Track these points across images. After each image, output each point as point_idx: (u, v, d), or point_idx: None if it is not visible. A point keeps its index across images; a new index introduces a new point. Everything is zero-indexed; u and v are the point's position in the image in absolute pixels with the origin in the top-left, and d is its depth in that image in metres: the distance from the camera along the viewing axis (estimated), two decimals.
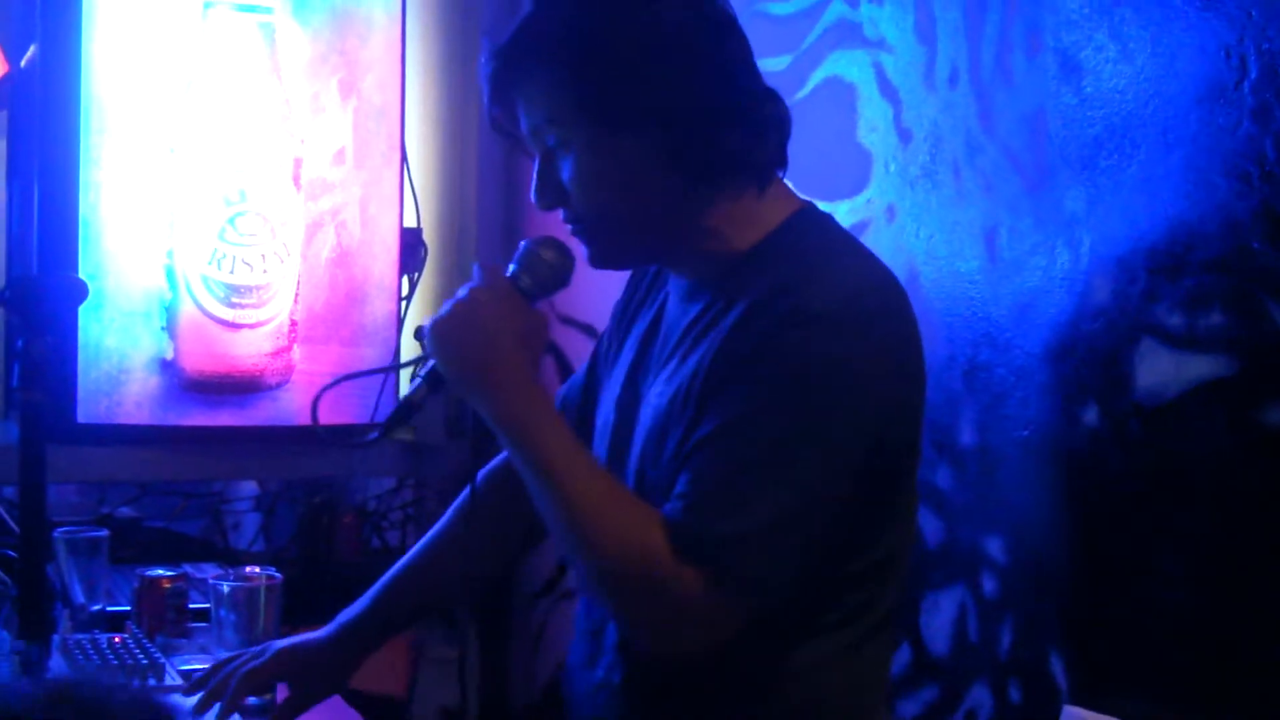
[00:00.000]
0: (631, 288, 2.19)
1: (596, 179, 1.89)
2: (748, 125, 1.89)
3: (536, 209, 1.98)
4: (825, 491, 1.79)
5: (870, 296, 1.85)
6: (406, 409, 1.99)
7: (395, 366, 3.50)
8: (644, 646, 1.86)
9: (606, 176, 1.89)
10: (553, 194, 1.94)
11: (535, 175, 1.95)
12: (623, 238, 1.95)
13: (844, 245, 1.95)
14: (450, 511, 2.36)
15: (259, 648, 2.28)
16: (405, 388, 3.75)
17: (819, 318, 1.78)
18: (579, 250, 1.99)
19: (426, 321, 1.92)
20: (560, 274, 1.98)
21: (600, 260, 1.99)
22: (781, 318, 1.79)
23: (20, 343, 1.51)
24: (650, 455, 1.93)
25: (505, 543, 2.35)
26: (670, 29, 1.86)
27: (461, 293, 1.91)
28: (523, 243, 1.99)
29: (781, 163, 1.95)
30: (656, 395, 1.95)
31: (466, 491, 2.31)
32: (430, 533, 2.35)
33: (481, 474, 2.34)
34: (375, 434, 2.08)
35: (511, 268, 1.97)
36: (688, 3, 1.88)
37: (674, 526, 1.77)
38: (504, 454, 2.17)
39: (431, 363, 1.95)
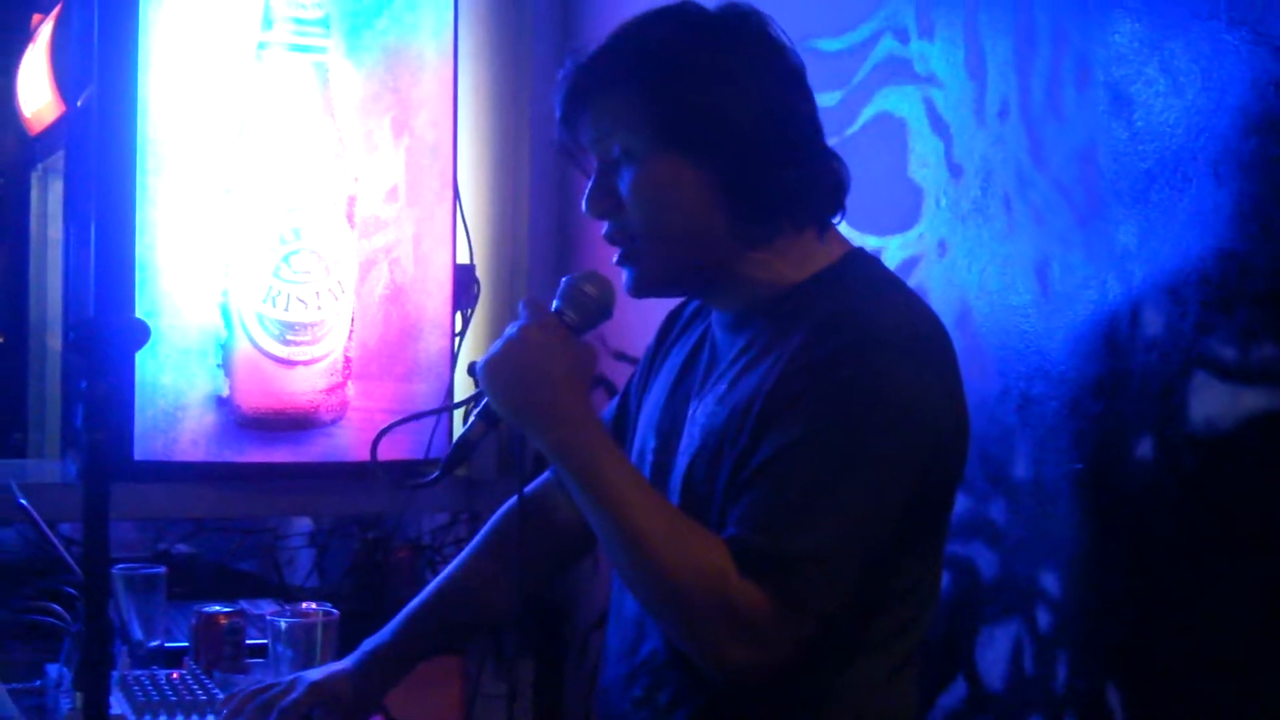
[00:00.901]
0: (662, 333, 2.26)
1: (656, 195, 1.95)
2: (805, 171, 1.94)
3: (588, 246, 2.01)
4: (883, 512, 1.84)
5: (922, 326, 1.94)
6: (464, 447, 2.03)
7: (452, 406, 3.51)
8: (711, 667, 1.86)
9: (665, 194, 1.95)
10: (607, 203, 2.00)
11: (591, 183, 2.00)
12: (667, 261, 2.00)
13: (894, 283, 2.05)
14: (475, 541, 2.39)
15: (289, 679, 2.31)
16: (460, 424, 3.77)
17: (876, 344, 1.85)
18: (619, 278, 2.02)
19: (479, 360, 1.96)
20: (603, 306, 2.03)
21: (640, 285, 2.04)
22: (840, 345, 1.85)
23: (84, 384, 1.53)
24: (700, 473, 1.97)
25: (531, 572, 2.37)
26: (749, 69, 1.94)
27: (510, 330, 1.95)
28: (564, 279, 2.02)
29: (836, 209, 2.03)
30: (706, 415, 1.99)
31: (491, 522, 2.35)
32: (455, 561, 2.39)
33: (503, 509, 2.38)
34: (435, 474, 2.12)
35: (555, 304, 2.01)
36: (767, 50, 1.98)
37: (739, 547, 1.81)
38: (516, 495, 2.21)
39: (486, 400, 1.98)
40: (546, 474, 2.35)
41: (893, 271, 2.11)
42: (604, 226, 2.04)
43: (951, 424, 1.93)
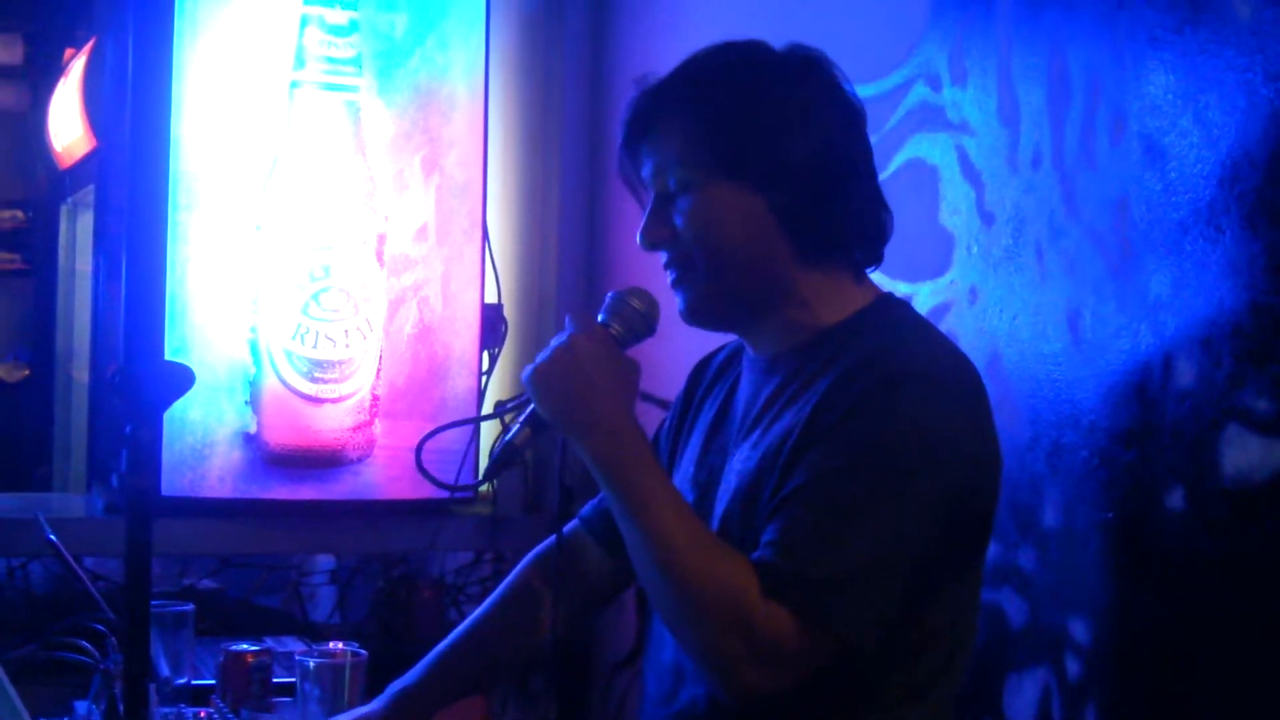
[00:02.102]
0: (691, 385, 2.29)
1: (710, 225, 1.98)
2: (856, 210, 1.96)
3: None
4: (912, 543, 1.86)
5: (954, 367, 1.97)
6: (509, 452, 2.05)
7: (487, 416, 3.52)
8: (726, 685, 1.87)
9: (723, 225, 1.98)
10: (662, 232, 2.03)
11: (647, 215, 2.03)
12: (722, 290, 2.02)
13: (926, 326, 2.07)
14: (503, 585, 2.40)
15: None
16: (485, 464, 3.78)
17: (909, 380, 1.88)
18: (673, 303, 2.06)
19: (527, 367, 1.98)
20: (649, 321, 2.06)
21: (694, 312, 2.07)
22: (872, 381, 1.88)
23: (129, 429, 1.54)
24: (737, 517, 1.98)
25: (569, 612, 2.38)
26: (809, 105, 1.98)
27: (559, 339, 1.97)
28: (610, 293, 2.05)
29: (878, 258, 2.07)
30: (741, 462, 2.00)
31: (519, 567, 2.36)
32: (483, 605, 2.39)
33: (532, 555, 2.39)
34: (481, 481, 2.15)
35: (602, 317, 2.05)
36: (826, 88, 2.02)
37: (764, 569, 1.83)
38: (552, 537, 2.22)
39: (532, 406, 2.00)
40: (575, 521, 2.36)
41: (924, 316, 2.12)
42: (641, 263, 2.06)
43: (983, 463, 1.95)
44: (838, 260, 2.02)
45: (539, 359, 1.98)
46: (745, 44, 2.05)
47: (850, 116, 2.03)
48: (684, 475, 2.15)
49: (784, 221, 1.96)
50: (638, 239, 2.06)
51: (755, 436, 2.00)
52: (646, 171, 2.04)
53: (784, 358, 2.03)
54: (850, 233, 2.01)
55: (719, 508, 2.02)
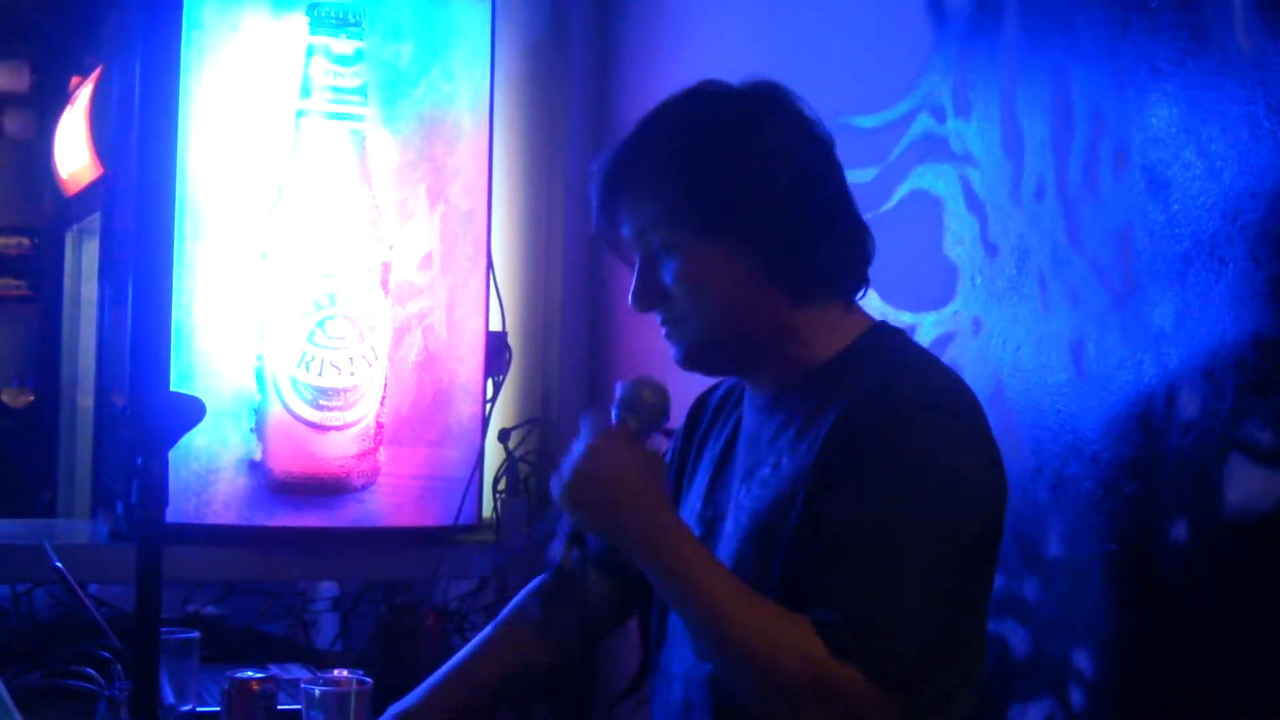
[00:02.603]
0: (692, 421, 2.29)
1: (700, 284, 1.97)
2: (842, 240, 1.96)
3: (620, 316, 2.04)
4: (952, 575, 1.88)
5: (956, 394, 1.98)
6: (565, 575, 2.02)
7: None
8: None
9: (710, 282, 1.97)
10: (654, 297, 2.02)
11: (636, 278, 2.02)
12: (717, 342, 2.01)
13: (922, 353, 2.09)
14: (505, 611, 2.40)
15: None
16: (489, 490, 3.78)
17: (917, 412, 1.89)
18: (669, 350, 2.06)
19: (554, 484, 1.96)
20: (663, 410, 2.05)
21: (690, 361, 2.07)
22: (881, 417, 1.89)
23: (140, 460, 1.55)
24: (750, 557, 1.98)
25: (560, 650, 2.38)
26: (776, 148, 1.97)
27: (578, 447, 1.95)
28: (619, 387, 2.04)
29: (865, 281, 2.06)
30: (751, 499, 2.00)
31: (522, 593, 2.36)
32: (485, 630, 2.40)
33: (535, 582, 2.38)
34: (535, 614, 2.12)
35: (615, 413, 2.03)
36: (793, 124, 2.00)
37: (827, 630, 1.82)
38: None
39: (568, 524, 1.99)
40: (577, 550, 2.36)
41: (917, 343, 2.14)
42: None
43: (994, 487, 1.96)
44: (828, 293, 2.02)
45: (563, 473, 1.97)
46: (707, 93, 2.04)
47: (820, 147, 2.02)
48: (691, 511, 2.15)
49: (772, 268, 1.96)
50: (630, 303, 2.06)
51: (765, 474, 2.00)
52: (626, 232, 2.03)
53: (785, 395, 2.04)
54: (838, 265, 2.01)
55: (728, 544, 2.03)
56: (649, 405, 2.03)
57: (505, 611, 2.41)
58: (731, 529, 2.03)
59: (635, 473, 1.94)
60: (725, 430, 2.16)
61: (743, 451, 2.08)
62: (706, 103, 2.03)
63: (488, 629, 2.40)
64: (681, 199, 1.96)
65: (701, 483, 2.16)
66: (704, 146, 1.96)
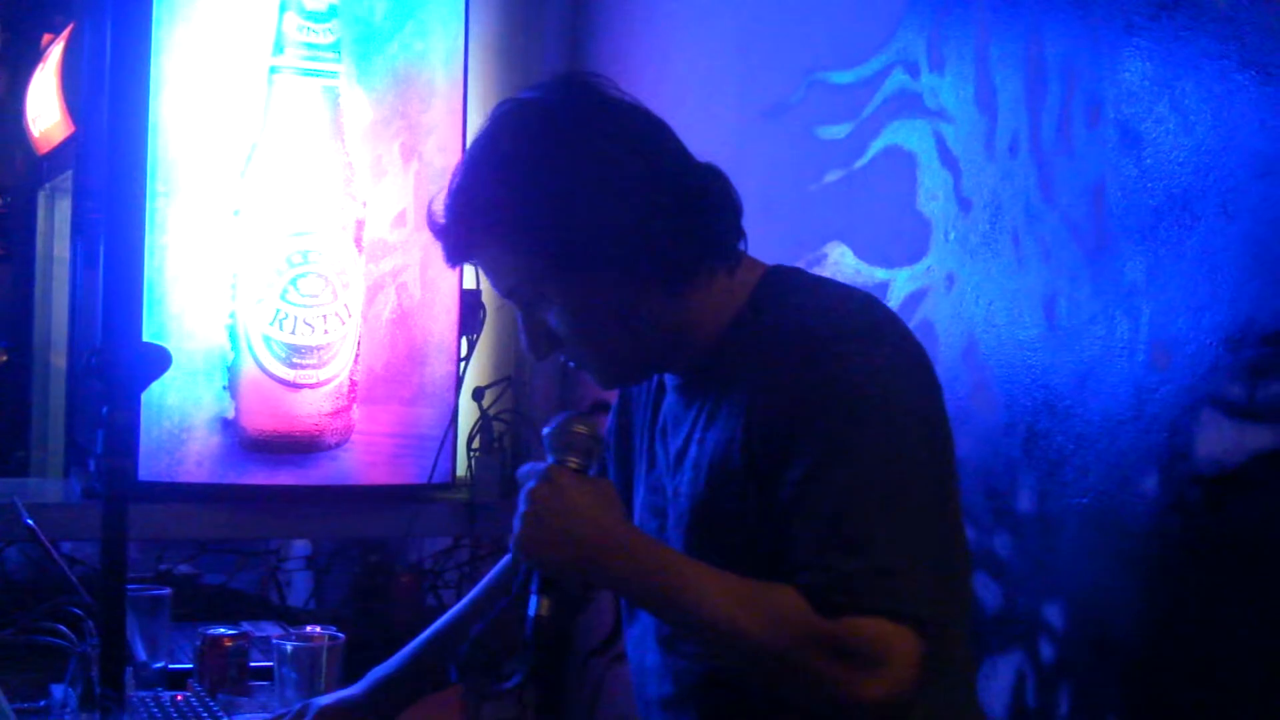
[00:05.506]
0: (622, 414, 2.25)
1: (583, 318, 1.94)
2: (696, 212, 1.91)
3: None
4: (926, 497, 1.84)
5: (864, 308, 1.94)
6: (539, 627, 1.96)
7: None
8: (859, 713, 1.79)
9: (590, 313, 1.93)
10: (545, 343, 1.98)
11: (523, 333, 1.98)
12: (623, 360, 1.99)
13: (818, 280, 2.03)
14: (491, 573, 2.40)
15: (299, 705, 2.33)
16: (462, 448, 3.78)
17: (839, 344, 1.85)
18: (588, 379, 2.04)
19: (510, 542, 1.92)
20: (598, 439, 1.97)
21: (611, 384, 2.08)
22: (805, 364, 1.84)
23: (105, 410, 1.54)
24: (698, 536, 1.96)
25: None
26: (598, 160, 1.89)
27: (521, 503, 1.90)
28: (546, 431, 1.97)
29: (740, 236, 1.98)
30: (687, 483, 1.98)
31: (507, 558, 2.35)
32: (470, 594, 2.39)
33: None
34: (517, 678, 2.06)
35: (550, 457, 1.95)
36: (606, 126, 1.92)
37: (812, 591, 1.77)
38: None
39: (536, 574, 1.94)
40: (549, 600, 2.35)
41: (814, 274, 2.06)
42: None
43: (930, 391, 1.92)
44: (707, 266, 1.95)
45: (515, 528, 1.90)
46: (511, 127, 1.94)
47: (642, 134, 1.95)
48: (643, 503, 2.12)
49: (641, 274, 1.90)
50: (526, 354, 2.03)
51: (693, 453, 1.97)
52: (493, 286, 1.99)
53: (697, 372, 2.01)
54: (703, 238, 1.93)
55: (675, 533, 2.00)
56: (584, 438, 1.95)
57: (486, 577, 2.41)
58: (676, 518, 2.01)
59: (585, 509, 1.88)
60: (654, 414, 2.13)
61: (671, 435, 2.06)
62: (514, 140, 1.93)
63: (471, 593, 2.40)
64: (531, 251, 1.90)
65: (642, 471, 2.14)
66: (529, 190, 1.89)
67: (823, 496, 1.80)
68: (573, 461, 1.94)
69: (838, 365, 1.83)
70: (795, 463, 1.82)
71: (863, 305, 1.95)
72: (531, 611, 1.93)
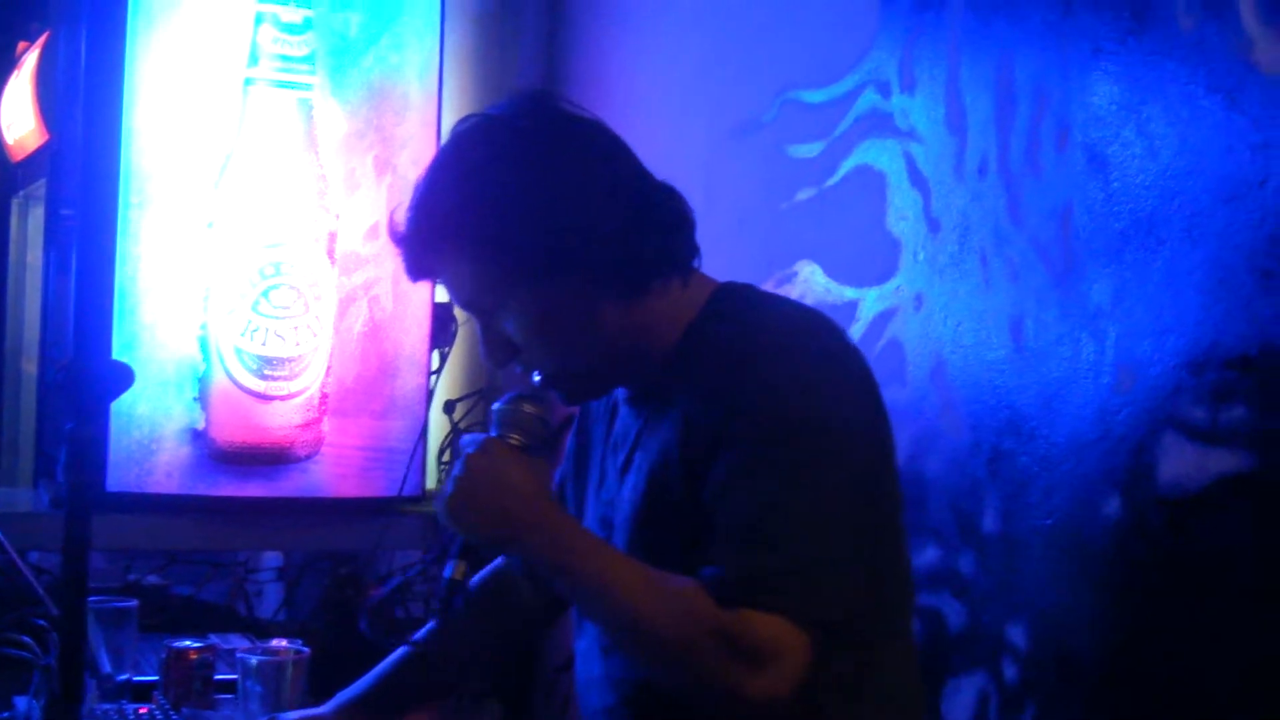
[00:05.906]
0: (582, 424, 2.27)
1: (540, 328, 1.97)
2: (650, 225, 1.94)
3: None
4: (837, 506, 1.85)
5: (807, 323, 1.97)
6: (454, 588, 1.99)
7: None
8: (740, 707, 1.82)
9: (550, 322, 1.96)
10: (503, 352, 2.00)
11: (481, 342, 2.01)
12: (582, 371, 2.01)
13: (767, 296, 2.06)
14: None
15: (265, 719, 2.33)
16: (433, 461, 3.78)
17: (777, 356, 1.88)
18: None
19: (436, 503, 1.95)
20: (546, 421, 1.99)
21: (573, 400, 2.09)
22: (743, 372, 1.87)
23: (69, 426, 1.54)
24: (640, 543, 1.98)
25: (509, 637, 2.43)
26: (556, 171, 1.92)
27: (456, 469, 1.93)
28: (495, 406, 2.00)
29: (695, 252, 2.02)
30: (630, 490, 2.02)
31: (478, 577, 2.36)
32: (430, 625, 2.39)
33: (479, 577, 2.38)
34: (434, 622, 2.09)
35: (494, 431, 1.98)
36: (566, 140, 1.96)
37: (711, 583, 1.81)
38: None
39: (459, 539, 1.97)
40: (500, 559, 2.36)
41: (766, 291, 2.09)
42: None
43: (871, 406, 1.94)
44: (660, 278, 1.98)
45: (446, 488, 1.93)
46: (470, 141, 1.97)
47: (599, 149, 1.98)
48: (592, 513, 2.15)
49: (597, 286, 1.93)
50: (483, 362, 2.05)
51: (637, 461, 2.00)
52: (451, 298, 2.02)
53: (645, 385, 2.04)
54: (657, 250, 1.96)
55: (620, 539, 2.02)
56: (530, 417, 1.98)
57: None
58: (620, 523, 2.03)
59: (513, 480, 1.91)
60: (608, 427, 2.16)
61: (621, 446, 2.08)
62: (474, 153, 1.96)
63: (430, 624, 2.39)
64: (489, 262, 1.92)
65: (594, 482, 2.16)
66: (489, 201, 1.91)
67: (740, 497, 1.84)
68: (514, 438, 1.97)
69: (770, 374, 1.86)
70: (719, 464, 1.86)
71: (806, 321, 1.98)
72: (447, 574, 1.98)
